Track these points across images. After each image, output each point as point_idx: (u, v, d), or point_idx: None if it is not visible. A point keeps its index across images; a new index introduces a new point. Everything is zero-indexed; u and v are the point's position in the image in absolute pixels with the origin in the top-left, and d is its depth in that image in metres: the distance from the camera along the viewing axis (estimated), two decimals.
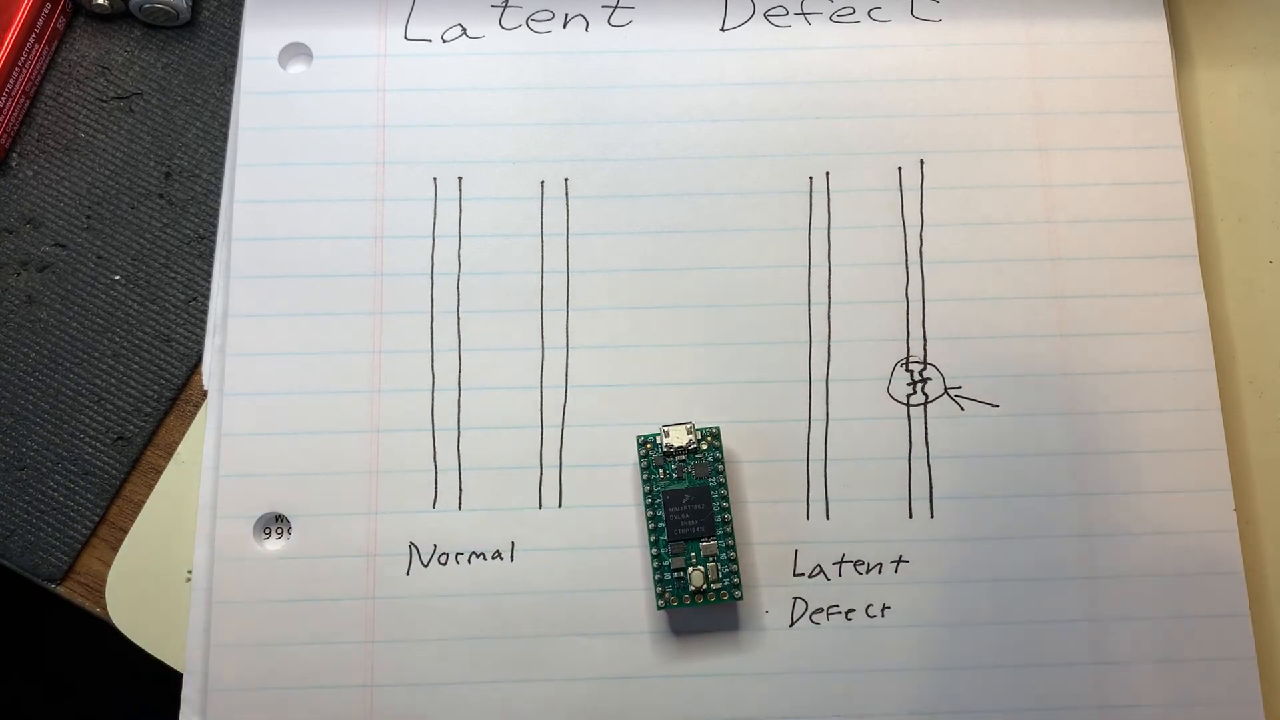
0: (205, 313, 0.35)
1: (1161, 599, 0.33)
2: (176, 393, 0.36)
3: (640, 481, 0.33)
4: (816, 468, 0.34)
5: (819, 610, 0.33)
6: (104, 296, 0.36)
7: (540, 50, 0.36)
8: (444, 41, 0.37)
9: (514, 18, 0.37)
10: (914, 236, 0.35)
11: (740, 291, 0.35)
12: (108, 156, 0.37)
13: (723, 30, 0.37)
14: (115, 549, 0.34)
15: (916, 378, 0.34)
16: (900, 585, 0.33)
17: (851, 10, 0.37)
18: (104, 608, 0.34)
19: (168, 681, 0.33)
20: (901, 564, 0.33)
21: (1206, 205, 0.36)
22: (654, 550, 0.32)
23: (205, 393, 0.34)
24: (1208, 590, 0.33)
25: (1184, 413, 0.34)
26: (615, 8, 0.37)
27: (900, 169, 0.36)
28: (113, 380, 0.35)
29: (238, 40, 0.37)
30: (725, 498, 0.32)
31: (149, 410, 0.35)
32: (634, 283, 0.35)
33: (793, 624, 0.33)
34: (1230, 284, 0.36)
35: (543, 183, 0.36)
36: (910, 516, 0.34)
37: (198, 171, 0.37)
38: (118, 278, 0.36)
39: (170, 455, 0.35)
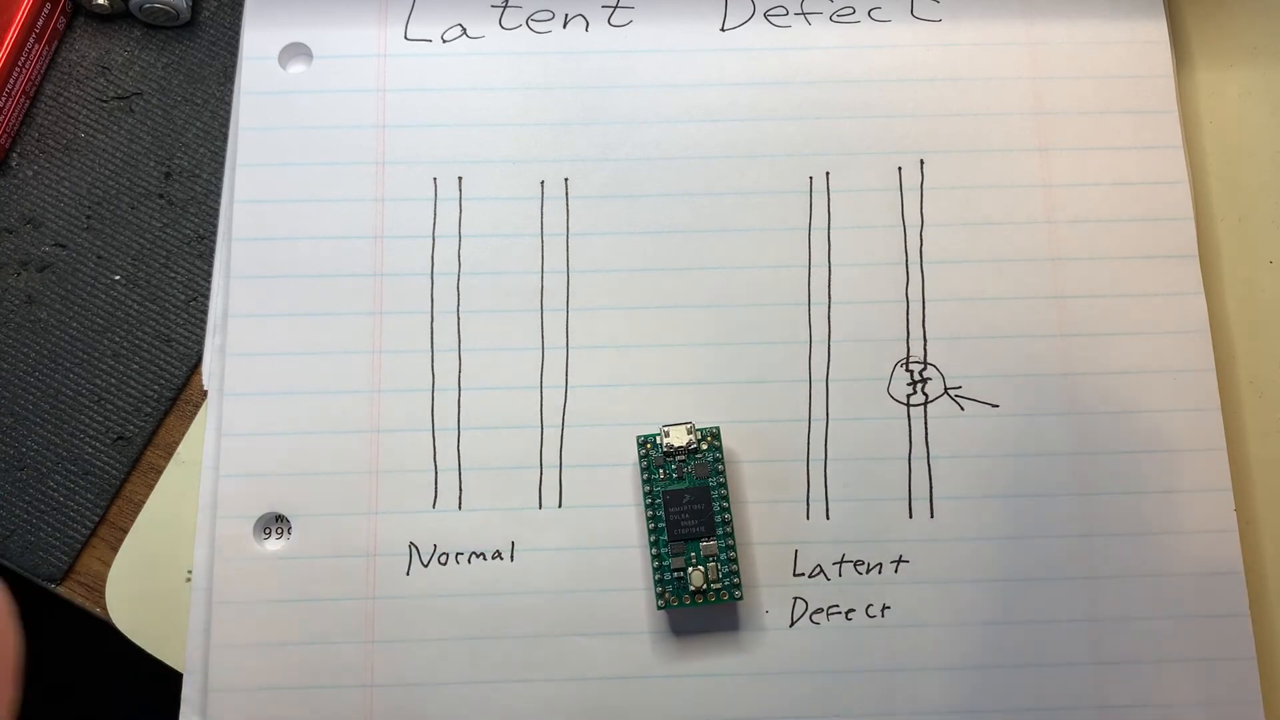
0: (205, 313, 0.35)
1: (1161, 599, 0.33)
2: (176, 393, 0.36)
3: (640, 481, 0.33)
4: (816, 468, 0.34)
5: (819, 610, 0.33)
6: (104, 296, 0.36)
7: (540, 50, 0.36)
8: (444, 41, 0.36)
9: (514, 18, 0.37)
10: (914, 236, 0.35)
11: (740, 291, 0.35)
12: (108, 156, 0.37)
13: (723, 30, 0.37)
14: (115, 549, 0.34)
15: (917, 378, 0.34)
16: (900, 585, 0.33)
17: (851, 10, 0.37)
18: (104, 608, 0.34)
19: (168, 681, 0.33)
20: (901, 564, 0.33)
21: (1206, 205, 0.36)
22: (654, 550, 0.32)
23: (205, 393, 0.34)
24: (1208, 590, 0.33)
25: (1184, 413, 0.34)
26: (615, 8, 0.37)
27: (900, 169, 0.36)
28: (113, 380, 0.35)
29: (238, 40, 0.37)
30: (725, 498, 0.32)
31: (149, 410, 0.35)
32: (634, 283, 0.35)
33: (793, 624, 0.33)
34: (1230, 284, 0.36)
35: (543, 183, 0.36)
36: (910, 516, 0.34)
37: (198, 171, 0.37)
38: (118, 278, 0.36)
39: (170, 455, 0.35)
